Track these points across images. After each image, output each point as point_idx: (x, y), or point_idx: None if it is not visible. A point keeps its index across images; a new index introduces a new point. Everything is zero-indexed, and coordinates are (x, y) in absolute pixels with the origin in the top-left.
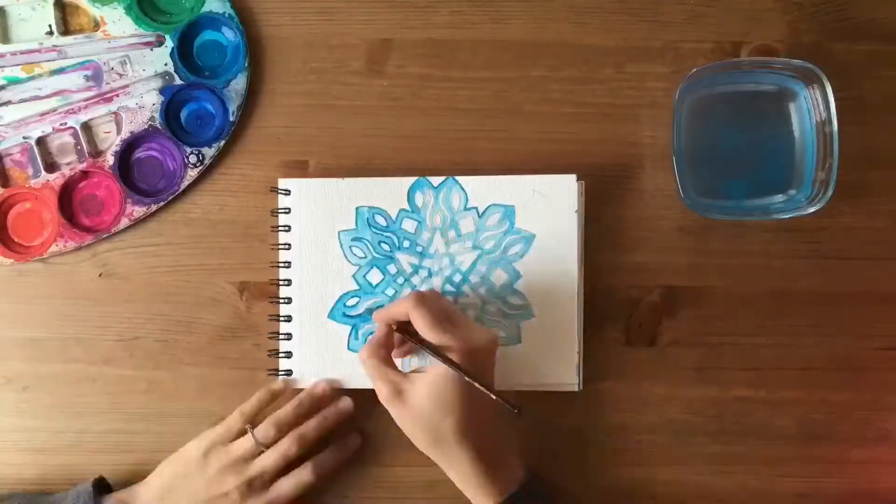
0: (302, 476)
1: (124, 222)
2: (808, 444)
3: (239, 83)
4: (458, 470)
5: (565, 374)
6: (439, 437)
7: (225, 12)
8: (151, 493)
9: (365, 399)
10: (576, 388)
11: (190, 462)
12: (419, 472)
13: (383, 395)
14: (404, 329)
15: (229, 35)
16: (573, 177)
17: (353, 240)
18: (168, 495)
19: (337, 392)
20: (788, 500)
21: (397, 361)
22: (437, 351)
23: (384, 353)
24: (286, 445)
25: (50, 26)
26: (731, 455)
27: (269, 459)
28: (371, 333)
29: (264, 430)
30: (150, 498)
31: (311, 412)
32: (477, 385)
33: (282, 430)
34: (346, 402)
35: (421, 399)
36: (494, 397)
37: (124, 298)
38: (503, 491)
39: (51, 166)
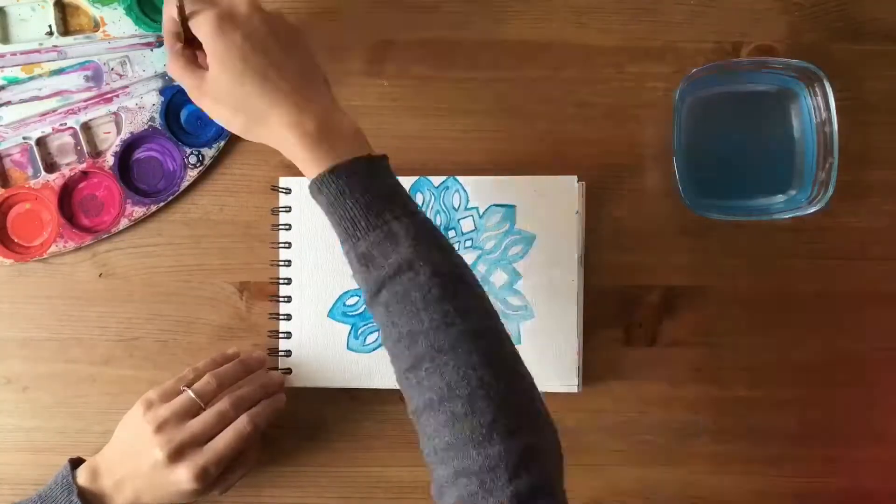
0: (239, 426)
1: (124, 223)
2: (808, 444)
3: None
4: (278, 136)
5: (565, 374)
6: (248, 107)
7: None
8: (113, 453)
9: (365, 399)
10: (576, 389)
11: (134, 420)
12: (419, 472)
13: (190, 90)
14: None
15: None
16: (573, 178)
17: None
18: (124, 455)
19: (276, 379)
20: (788, 500)
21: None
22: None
23: (183, 55)
24: (225, 406)
25: (50, 27)
26: (731, 455)
27: (207, 416)
28: (370, 333)
29: (205, 382)
30: (112, 459)
31: (250, 378)
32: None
33: (221, 387)
34: (280, 399)
35: (214, 80)
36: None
37: (124, 298)
38: (333, 159)
39: (51, 166)
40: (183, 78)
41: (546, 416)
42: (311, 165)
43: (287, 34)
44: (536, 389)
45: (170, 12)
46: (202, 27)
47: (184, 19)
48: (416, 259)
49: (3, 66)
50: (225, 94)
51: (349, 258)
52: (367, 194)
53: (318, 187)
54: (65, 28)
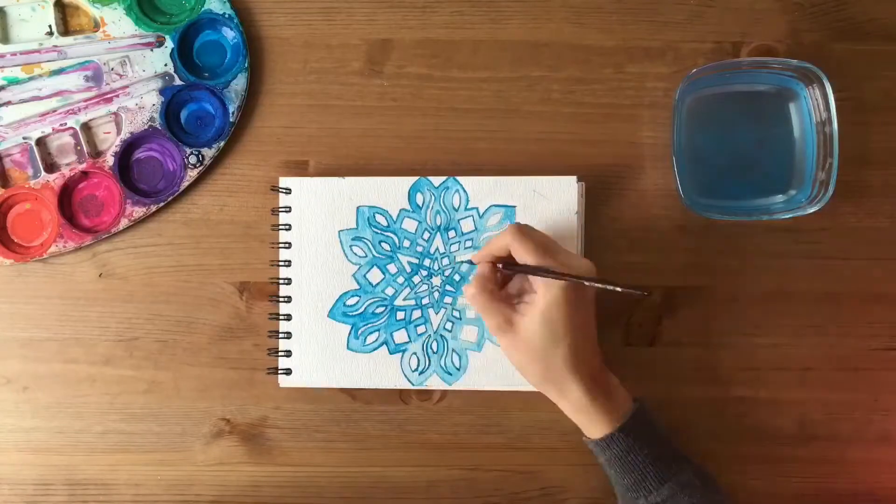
0: None
1: (124, 223)
2: (808, 444)
3: (239, 84)
4: (571, 399)
5: None
6: (551, 366)
7: (225, 13)
8: None
9: (365, 399)
10: None
11: None
12: (419, 472)
13: (494, 328)
14: (508, 263)
15: (229, 35)
16: (574, 178)
17: (353, 239)
18: None
19: None
20: (788, 500)
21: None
22: (547, 271)
23: (490, 286)
24: None
25: (50, 27)
26: (731, 455)
27: None
28: (370, 334)
29: None
30: None
31: None
32: (599, 285)
33: None
34: None
35: (531, 326)
36: (621, 290)
37: (124, 299)
38: (617, 419)
39: (51, 167)
40: (490, 310)
41: None
42: (596, 425)
43: (593, 305)
44: None
45: (495, 250)
46: (552, 289)
47: (546, 270)
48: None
49: (3, 66)
50: (532, 348)
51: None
52: (653, 447)
53: (606, 444)
54: (65, 28)
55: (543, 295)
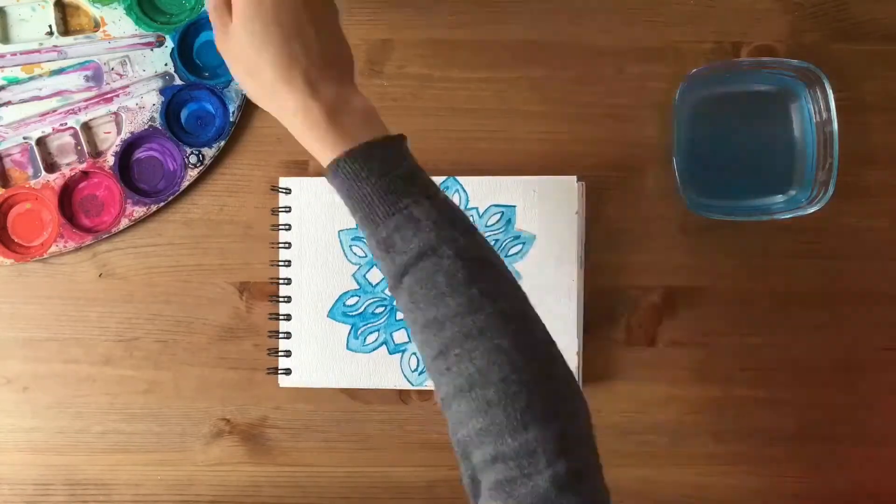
0: None
1: (124, 222)
2: (808, 444)
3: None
4: (292, 116)
5: None
6: (255, 77)
7: None
8: None
9: (365, 399)
10: None
11: None
12: (419, 472)
13: (218, 44)
14: None
15: None
16: (574, 178)
17: (353, 239)
18: None
19: None
20: (788, 500)
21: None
22: None
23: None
24: None
25: (50, 27)
26: (731, 455)
27: None
28: (370, 334)
29: None
30: None
31: None
32: None
33: None
34: None
35: (238, 36)
36: None
37: (124, 299)
38: (354, 140)
39: (51, 166)
40: (214, 17)
41: (581, 399)
42: (324, 150)
43: (322, 7)
44: (570, 371)
45: None
46: None
47: None
48: (439, 243)
49: (3, 66)
50: (242, 54)
51: (370, 244)
52: (384, 177)
53: (332, 172)
54: (65, 28)
55: None
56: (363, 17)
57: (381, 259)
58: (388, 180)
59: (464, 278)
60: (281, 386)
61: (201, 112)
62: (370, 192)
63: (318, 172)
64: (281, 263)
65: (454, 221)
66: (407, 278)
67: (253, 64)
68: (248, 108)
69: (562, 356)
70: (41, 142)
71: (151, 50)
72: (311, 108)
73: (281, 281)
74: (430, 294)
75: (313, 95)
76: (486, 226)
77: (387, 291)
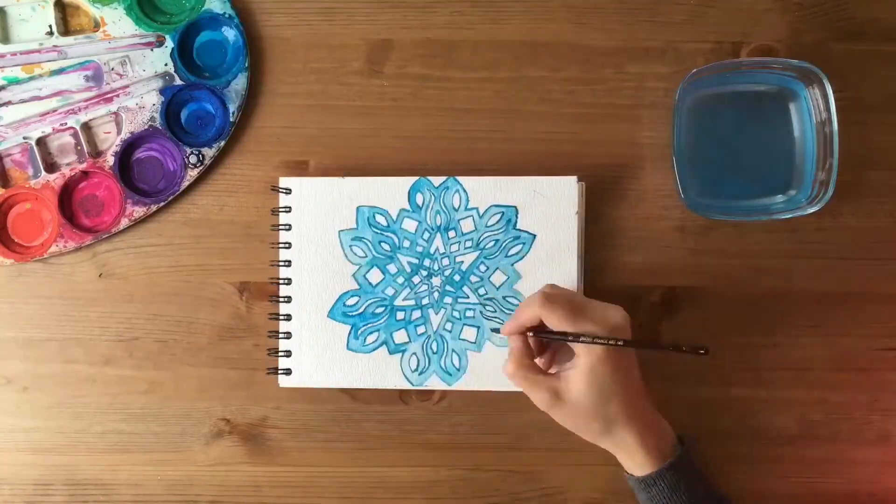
0: None
1: (124, 222)
2: (808, 444)
3: (239, 83)
4: (626, 448)
5: None
6: (607, 423)
7: (225, 13)
8: None
9: (365, 399)
10: None
11: None
12: (419, 472)
13: (543, 403)
14: (540, 331)
15: (229, 35)
16: (574, 178)
17: (353, 239)
18: None
19: None
20: (788, 500)
21: None
22: (583, 337)
23: (528, 362)
24: None
25: (50, 27)
26: (731, 455)
27: None
28: (370, 334)
29: None
30: None
31: None
32: (640, 348)
33: None
34: None
35: (580, 393)
36: (672, 349)
37: (124, 299)
38: (662, 457)
39: (51, 166)
40: (534, 386)
41: None
42: (642, 464)
43: (633, 356)
44: None
45: (525, 321)
46: (594, 350)
47: (581, 336)
48: None
49: (3, 66)
50: (585, 413)
51: None
52: (695, 487)
53: (652, 482)
54: (65, 28)
55: (586, 356)
56: (363, 17)
57: None
58: (700, 489)
59: None
60: (281, 386)
61: (201, 112)
62: (687, 500)
63: (319, 172)
64: (281, 263)
65: None
66: None
67: (597, 414)
68: (247, 108)
69: None
70: (41, 142)
71: (151, 50)
72: (644, 439)
73: (281, 281)
74: None
75: (646, 432)
76: (487, 226)
77: (387, 291)
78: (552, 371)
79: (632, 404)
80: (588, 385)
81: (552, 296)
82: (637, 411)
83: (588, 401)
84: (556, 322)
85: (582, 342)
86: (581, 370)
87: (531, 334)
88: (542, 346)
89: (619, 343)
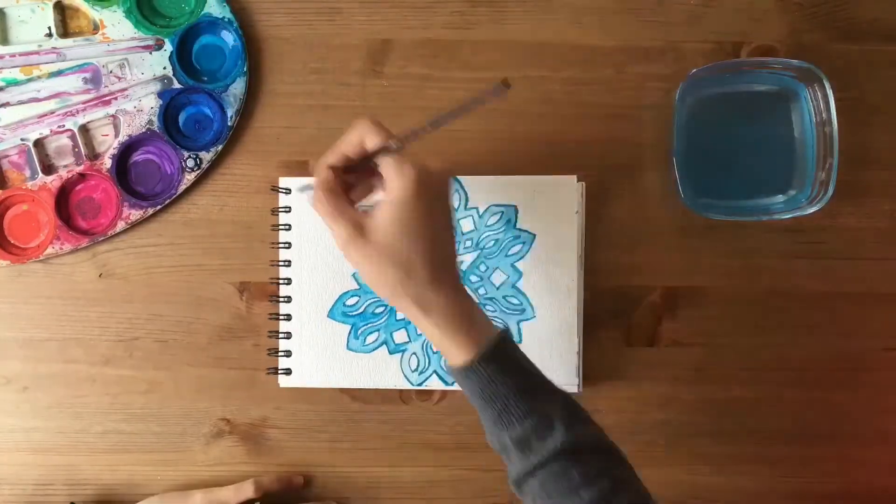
0: (243, 487)
1: (121, 225)
2: (808, 444)
3: (237, 88)
4: (434, 314)
5: (565, 374)
6: (410, 272)
7: (224, 16)
8: None
9: (365, 399)
10: (576, 389)
11: None
12: (419, 472)
13: (343, 236)
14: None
15: (228, 39)
16: (574, 178)
17: None
18: None
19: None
20: (788, 500)
21: None
22: (412, 133)
23: (337, 190)
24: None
25: (49, 28)
26: (731, 455)
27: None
28: (370, 333)
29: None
30: None
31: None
32: (459, 110)
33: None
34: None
35: (385, 229)
36: (484, 94)
37: (124, 299)
38: (477, 345)
39: (48, 168)
40: (339, 215)
41: None
42: (457, 351)
43: (450, 209)
44: None
45: (346, 147)
46: (401, 178)
47: (372, 155)
48: (574, 440)
49: (1, 68)
50: (389, 252)
51: (499, 439)
52: (514, 378)
53: (465, 373)
54: (64, 30)
55: (397, 186)
56: (363, 17)
57: (514, 455)
58: (517, 381)
59: (597, 470)
60: (281, 386)
61: (199, 116)
62: (505, 392)
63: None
64: (281, 263)
65: (578, 414)
66: (541, 472)
67: (401, 258)
68: (247, 108)
69: None
70: (39, 143)
71: (150, 53)
72: (455, 309)
73: (281, 281)
74: (561, 486)
75: (456, 300)
76: (486, 226)
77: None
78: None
79: (442, 258)
80: (393, 220)
81: (378, 121)
82: (448, 271)
83: (393, 237)
84: (378, 138)
85: (410, 138)
86: (391, 205)
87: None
88: (349, 188)
89: (448, 118)
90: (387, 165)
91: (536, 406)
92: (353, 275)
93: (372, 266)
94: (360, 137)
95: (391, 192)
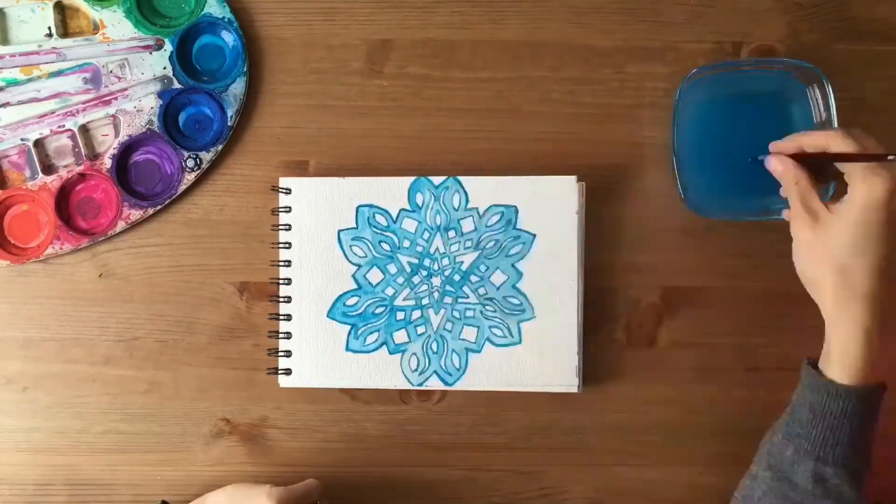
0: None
1: (121, 225)
2: None
3: (238, 88)
4: (848, 324)
5: (565, 374)
6: (847, 278)
7: (224, 16)
8: None
9: (365, 399)
10: (576, 389)
11: None
12: (419, 472)
13: (799, 220)
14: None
15: (228, 40)
16: (573, 178)
17: (353, 239)
18: None
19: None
20: None
21: None
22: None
23: (806, 176)
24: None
25: (49, 28)
26: (731, 455)
27: None
28: (370, 334)
29: None
30: None
31: None
32: None
33: None
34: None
35: (842, 228)
36: None
37: (124, 299)
38: (862, 377)
39: (48, 168)
40: (805, 197)
41: None
42: (845, 369)
43: None
44: None
45: (807, 141)
46: (875, 187)
47: (834, 156)
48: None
49: (1, 68)
50: (835, 253)
51: (785, 450)
52: (860, 431)
53: (841, 392)
54: (64, 30)
55: (863, 193)
56: (363, 17)
57: (797, 453)
58: (858, 436)
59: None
60: (281, 386)
61: (199, 116)
62: (847, 433)
63: (319, 172)
64: (281, 263)
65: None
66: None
67: (846, 265)
68: (247, 108)
69: None
70: (39, 143)
71: (150, 53)
72: (867, 326)
73: (281, 281)
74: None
75: (873, 318)
76: (487, 226)
77: (387, 291)
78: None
79: (882, 273)
80: (855, 222)
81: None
82: (881, 288)
83: (843, 242)
84: (847, 146)
85: (872, 160)
86: (854, 203)
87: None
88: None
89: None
90: (859, 168)
91: (849, 462)
92: (353, 275)
93: (809, 259)
94: (827, 140)
95: (857, 197)
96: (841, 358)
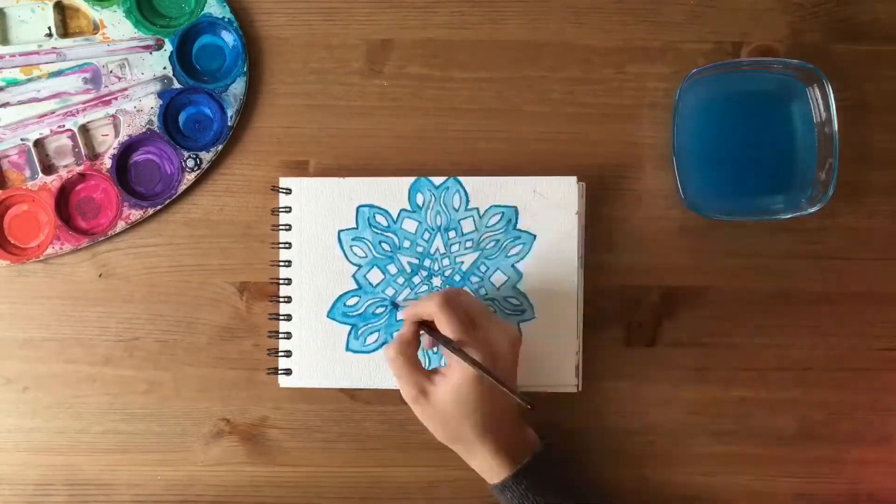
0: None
1: (121, 225)
2: (808, 444)
3: (238, 88)
4: (479, 459)
5: (565, 374)
6: (460, 434)
7: (224, 17)
8: None
9: (365, 399)
10: (575, 389)
11: None
12: (419, 472)
13: (408, 396)
14: (429, 327)
15: (228, 39)
16: (573, 178)
17: (353, 239)
18: None
19: None
20: (788, 500)
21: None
22: (459, 351)
23: (410, 352)
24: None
25: (49, 28)
26: (731, 455)
27: None
28: (370, 334)
29: None
30: None
31: None
32: (497, 384)
33: None
34: None
35: (444, 401)
36: (511, 394)
37: (124, 299)
38: (517, 461)
39: (48, 168)
40: (406, 378)
41: None
42: (494, 472)
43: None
44: None
45: (422, 311)
46: (466, 369)
47: (458, 350)
48: None
49: (1, 68)
50: (443, 420)
51: None
52: (545, 497)
53: (500, 489)
54: (64, 30)
55: (458, 372)
56: (363, 17)
57: None
58: (550, 499)
59: None
60: (281, 386)
61: (199, 116)
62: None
63: (319, 172)
64: (281, 263)
65: None
66: None
67: (456, 426)
68: (247, 108)
69: None
70: (39, 143)
71: (150, 53)
72: (499, 453)
73: (281, 281)
74: None
75: (500, 446)
76: (487, 226)
77: (388, 291)
78: (433, 350)
79: (491, 423)
80: (453, 398)
81: (452, 301)
82: (495, 430)
83: (449, 412)
84: (445, 328)
85: (456, 355)
86: (450, 382)
87: (422, 332)
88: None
89: (486, 374)
90: (450, 353)
91: None
92: (353, 275)
93: (428, 423)
94: (431, 313)
95: (453, 376)
96: (489, 473)
